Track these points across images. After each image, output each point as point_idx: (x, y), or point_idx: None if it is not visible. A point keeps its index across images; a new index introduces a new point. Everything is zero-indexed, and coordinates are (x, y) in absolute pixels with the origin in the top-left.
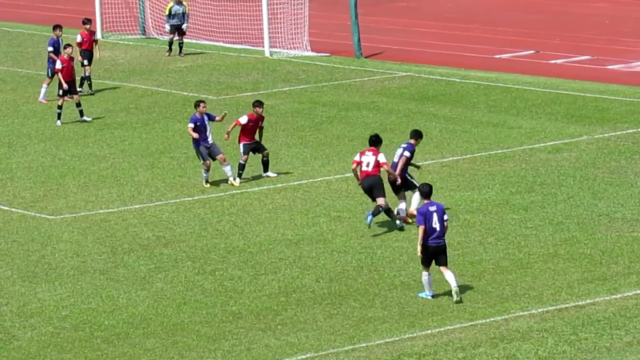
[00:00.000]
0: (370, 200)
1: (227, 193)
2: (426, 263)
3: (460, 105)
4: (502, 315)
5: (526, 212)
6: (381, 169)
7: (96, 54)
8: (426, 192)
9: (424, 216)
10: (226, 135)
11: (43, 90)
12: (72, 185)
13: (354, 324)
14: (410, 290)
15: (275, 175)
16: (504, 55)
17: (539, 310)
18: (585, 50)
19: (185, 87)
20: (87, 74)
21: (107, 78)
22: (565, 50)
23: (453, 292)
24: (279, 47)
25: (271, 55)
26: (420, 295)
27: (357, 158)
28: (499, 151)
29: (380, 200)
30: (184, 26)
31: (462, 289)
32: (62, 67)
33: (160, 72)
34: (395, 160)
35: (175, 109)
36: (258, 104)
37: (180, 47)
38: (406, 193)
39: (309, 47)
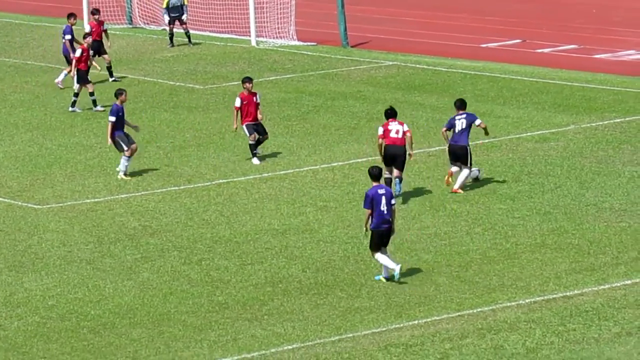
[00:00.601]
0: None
1: (213, 182)
2: (376, 247)
3: (447, 95)
4: (490, 306)
5: (513, 202)
6: (406, 136)
7: (106, 43)
8: (375, 174)
9: (372, 199)
10: (235, 127)
11: (61, 77)
12: (58, 175)
13: (341, 314)
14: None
15: (259, 163)
16: (490, 45)
17: (527, 300)
18: (573, 40)
19: (171, 77)
20: (107, 64)
21: (93, 67)
22: (552, 39)
23: (381, 277)
24: (266, 36)
25: (257, 44)
26: (376, 278)
27: (381, 132)
28: (486, 141)
29: (397, 172)
30: (184, 17)
31: (449, 279)
32: (82, 56)
33: (147, 61)
34: (460, 131)
35: (162, 98)
36: (247, 79)
37: (188, 37)
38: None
39: (295, 37)
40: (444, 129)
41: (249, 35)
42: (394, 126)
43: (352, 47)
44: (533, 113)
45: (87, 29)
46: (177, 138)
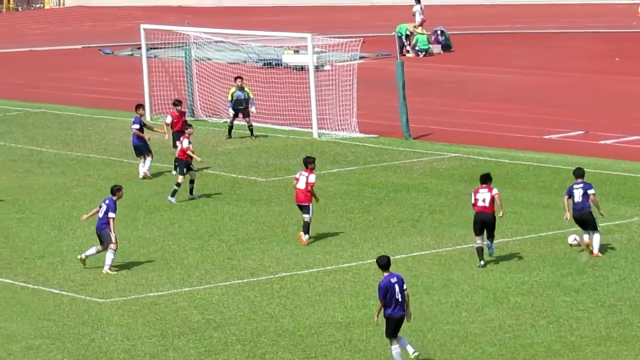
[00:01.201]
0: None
1: (276, 275)
2: (392, 335)
3: (510, 187)
4: None
5: (578, 294)
6: (495, 199)
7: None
8: (384, 264)
9: (386, 289)
10: (318, 200)
11: (143, 167)
12: (121, 268)
13: None
14: None
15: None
16: (553, 136)
17: None
18: (636, 130)
19: (234, 169)
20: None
21: (156, 160)
22: (615, 130)
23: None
24: (327, 128)
25: (319, 136)
26: None
27: (472, 200)
28: (549, 233)
29: (489, 241)
30: (252, 109)
31: None
32: (188, 145)
33: (209, 154)
34: (579, 199)
35: (224, 191)
36: (312, 160)
37: (251, 130)
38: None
39: (357, 129)
40: (565, 197)
41: (311, 128)
42: (481, 195)
43: (414, 139)
44: None
45: (169, 120)
46: (240, 231)
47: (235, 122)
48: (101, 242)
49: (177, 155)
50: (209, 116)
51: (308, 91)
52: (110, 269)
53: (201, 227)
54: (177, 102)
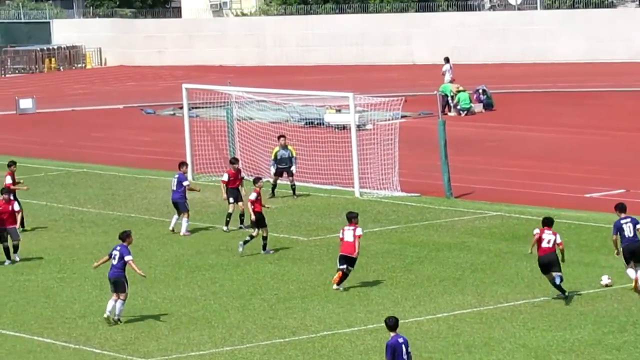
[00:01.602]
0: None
1: (318, 334)
2: None
3: None
4: None
5: (619, 352)
6: (558, 247)
7: (242, 192)
8: (392, 324)
9: (394, 349)
10: (357, 253)
11: (173, 221)
12: (163, 328)
13: None
14: None
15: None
16: (594, 194)
17: None
18: None
19: (275, 229)
20: (230, 211)
21: (197, 220)
22: None
23: None
24: (369, 187)
25: (361, 195)
26: None
27: (536, 231)
28: (591, 291)
29: (556, 274)
30: (292, 168)
31: None
32: (257, 199)
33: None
34: (631, 233)
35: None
36: (355, 215)
37: (293, 189)
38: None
39: (398, 188)
40: (614, 236)
41: (353, 187)
42: (546, 236)
43: (455, 197)
44: None
45: (225, 177)
46: (282, 290)
47: (278, 181)
48: (115, 290)
49: (255, 209)
50: (251, 175)
51: (350, 150)
52: (120, 319)
53: (242, 286)
54: (234, 160)
